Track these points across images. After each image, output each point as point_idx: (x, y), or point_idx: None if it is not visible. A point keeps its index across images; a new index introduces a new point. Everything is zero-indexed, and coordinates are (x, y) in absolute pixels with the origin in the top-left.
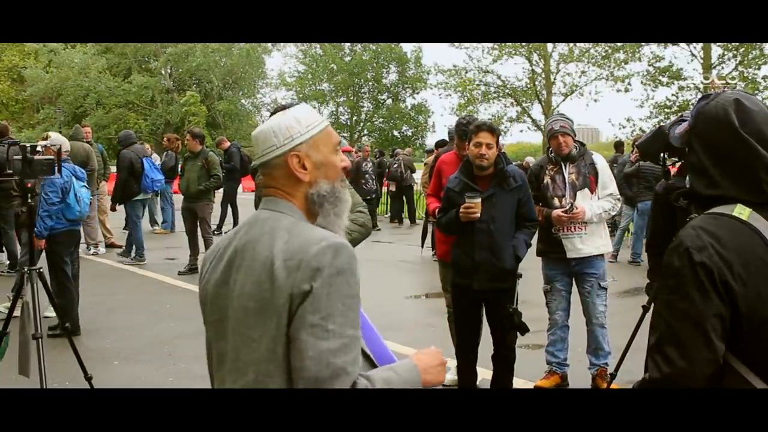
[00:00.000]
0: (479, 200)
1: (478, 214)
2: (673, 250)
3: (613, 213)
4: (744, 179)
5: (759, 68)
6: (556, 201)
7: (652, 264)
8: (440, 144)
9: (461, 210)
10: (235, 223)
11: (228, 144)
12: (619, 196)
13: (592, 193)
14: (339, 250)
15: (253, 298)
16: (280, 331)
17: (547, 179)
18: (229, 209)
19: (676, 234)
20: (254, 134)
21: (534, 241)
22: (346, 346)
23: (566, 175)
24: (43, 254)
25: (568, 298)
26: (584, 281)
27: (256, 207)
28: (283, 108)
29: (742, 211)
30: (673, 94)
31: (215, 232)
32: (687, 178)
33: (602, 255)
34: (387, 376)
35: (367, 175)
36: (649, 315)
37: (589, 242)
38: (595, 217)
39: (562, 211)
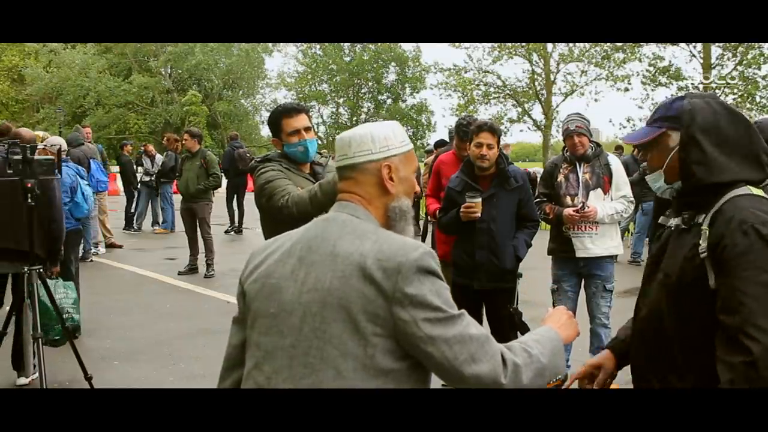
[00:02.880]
0: (480, 200)
1: (479, 214)
2: (732, 231)
3: (626, 215)
4: (750, 160)
5: (759, 68)
6: (568, 200)
7: None
8: (440, 144)
9: (462, 209)
10: (240, 221)
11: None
12: (632, 199)
13: (605, 193)
14: (433, 255)
15: (334, 293)
16: (371, 330)
17: (560, 178)
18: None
19: (717, 217)
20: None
21: (542, 240)
22: (468, 318)
23: (580, 175)
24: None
25: (575, 299)
26: (591, 282)
27: (258, 206)
28: (283, 106)
29: (755, 190)
30: (672, 94)
31: (235, 230)
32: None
33: (611, 257)
34: (534, 338)
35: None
36: None
37: (599, 243)
38: (606, 217)
39: (574, 210)
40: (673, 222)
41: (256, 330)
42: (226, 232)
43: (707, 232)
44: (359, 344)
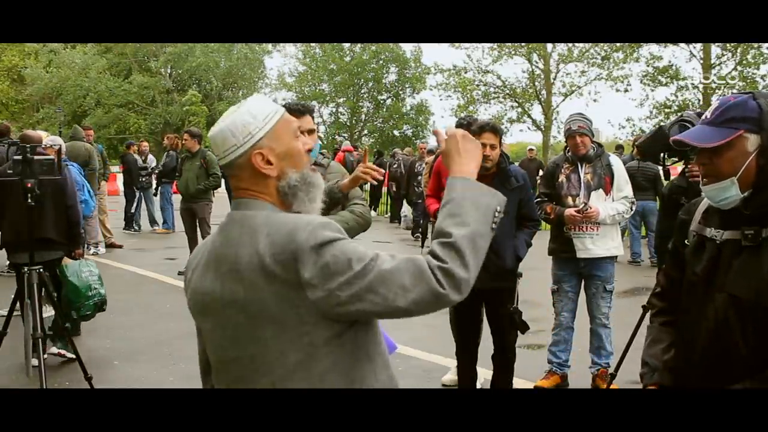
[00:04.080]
0: None
1: None
2: None
3: (627, 216)
4: None
5: (758, 67)
6: (570, 200)
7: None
8: None
9: None
10: None
11: None
12: (633, 200)
13: (606, 194)
14: (326, 225)
15: (251, 302)
16: (298, 320)
17: (562, 178)
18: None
19: None
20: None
21: (543, 240)
22: (381, 256)
23: (581, 175)
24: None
25: (575, 300)
26: (591, 283)
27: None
28: (287, 106)
29: None
30: (672, 94)
31: None
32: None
33: (612, 258)
34: (447, 212)
35: (420, 177)
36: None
37: (600, 243)
38: (608, 218)
39: (576, 210)
40: (722, 235)
41: (205, 342)
42: None
43: None
44: (294, 338)
